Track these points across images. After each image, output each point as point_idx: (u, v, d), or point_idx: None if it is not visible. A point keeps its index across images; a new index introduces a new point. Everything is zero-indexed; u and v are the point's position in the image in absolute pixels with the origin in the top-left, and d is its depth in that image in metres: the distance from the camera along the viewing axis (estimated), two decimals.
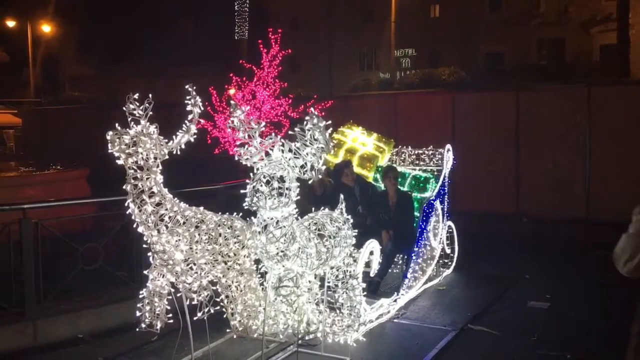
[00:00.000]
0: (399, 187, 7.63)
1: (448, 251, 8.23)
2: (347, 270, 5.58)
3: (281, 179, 4.78)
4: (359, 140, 8.34)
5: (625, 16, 19.80)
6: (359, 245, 5.76)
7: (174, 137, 5.06)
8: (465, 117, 13.44)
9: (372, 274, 6.44)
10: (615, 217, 11.89)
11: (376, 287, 7.01)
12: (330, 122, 4.91)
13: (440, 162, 8.10)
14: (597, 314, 6.77)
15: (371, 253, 6.12)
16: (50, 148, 20.85)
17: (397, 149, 8.52)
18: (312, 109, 5.04)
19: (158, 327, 5.33)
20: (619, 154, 11.85)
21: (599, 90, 12.41)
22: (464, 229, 8.57)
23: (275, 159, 4.87)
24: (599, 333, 6.17)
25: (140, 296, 5.37)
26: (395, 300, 6.64)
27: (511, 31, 33.12)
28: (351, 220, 5.56)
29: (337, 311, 5.66)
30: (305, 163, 4.84)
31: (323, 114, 5.07)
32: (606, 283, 7.94)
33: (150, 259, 5.18)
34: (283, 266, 5.16)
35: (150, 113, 4.90)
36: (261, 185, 4.75)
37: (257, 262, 5.45)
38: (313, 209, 5.48)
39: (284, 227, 4.91)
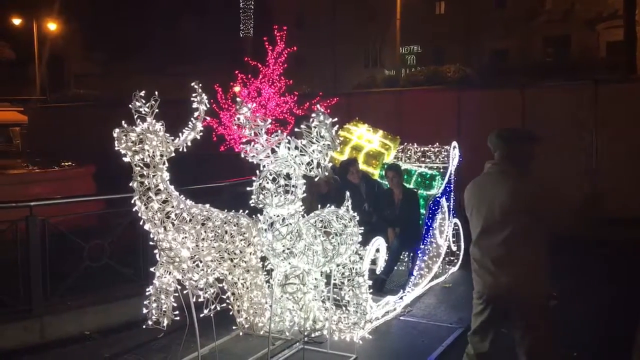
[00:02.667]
0: (404, 184, 7.62)
1: (454, 248, 8.21)
2: (353, 268, 5.58)
3: (287, 177, 4.78)
4: (365, 138, 8.32)
5: (632, 13, 19.68)
6: (365, 242, 5.76)
7: (180, 134, 5.06)
8: (471, 115, 13.40)
9: (378, 272, 6.45)
10: (621, 214, 11.89)
11: (382, 285, 7.01)
12: (335, 119, 4.90)
13: (446, 159, 8.08)
14: (604, 312, 6.75)
15: (377, 250, 6.12)
16: (56, 145, 20.90)
17: (402, 146, 8.51)
18: (318, 106, 5.04)
19: (164, 324, 5.34)
20: (625, 151, 11.81)
21: (605, 87, 12.37)
22: (469, 226, 8.54)
23: (281, 157, 4.87)
24: (605, 331, 6.15)
25: (147, 293, 5.39)
26: (401, 298, 6.64)
27: (517, 28, 33.00)
28: (357, 218, 5.56)
29: (343, 308, 5.66)
30: (312, 160, 4.84)
31: (329, 111, 5.06)
32: (611, 281, 7.94)
33: (157, 256, 5.19)
34: (289, 263, 5.16)
35: (156, 110, 4.90)
36: (267, 183, 4.75)
37: (263, 259, 5.45)
38: (319, 206, 5.48)
39: (290, 224, 4.91)
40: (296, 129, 4.92)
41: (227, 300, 5.46)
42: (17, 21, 36.76)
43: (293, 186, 4.79)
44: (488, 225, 3.86)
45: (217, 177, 8.43)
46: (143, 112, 4.85)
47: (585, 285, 7.77)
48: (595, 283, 7.88)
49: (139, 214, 4.95)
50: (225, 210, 5.36)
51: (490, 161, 3.93)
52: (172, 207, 4.92)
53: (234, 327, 5.74)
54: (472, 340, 4.09)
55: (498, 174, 3.88)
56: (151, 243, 5.15)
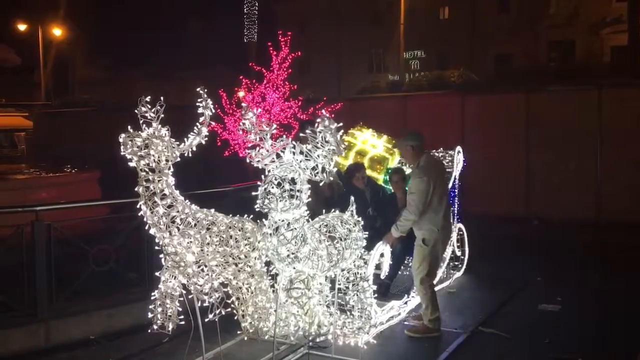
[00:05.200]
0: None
1: (458, 253, 8.20)
2: (357, 272, 5.58)
3: (292, 181, 4.79)
4: (369, 142, 8.33)
5: (636, 17, 19.70)
6: (369, 247, 5.76)
7: (185, 139, 5.08)
8: (475, 119, 13.42)
9: (382, 276, 6.44)
10: (625, 219, 11.86)
11: (387, 290, 7.00)
12: (340, 124, 4.92)
13: (450, 164, 8.06)
14: (609, 315, 6.73)
15: (382, 255, 6.12)
16: (61, 151, 20.96)
17: None
18: (322, 111, 5.05)
19: (169, 328, 5.35)
20: (630, 155, 11.79)
21: (610, 91, 12.36)
22: (474, 231, 8.54)
23: (286, 161, 4.88)
24: (611, 335, 6.13)
25: (152, 298, 5.40)
26: (405, 303, 6.63)
27: (521, 33, 33.01)
28: (362, 222, 5.56)
29: (348, 313, 5.66)
30: (317, 165, 4.85)
31: (333, 116, 5.07)
32: (618, 285, 7.92)
33: (162, 260, 5.20)
34: (294, 268, 5.17)
35: (162, 115, 4.93)
36: (272, 188, 4.76)
37: (268, 264, 5.46)
38: (324, 211, 5.49)
39: (295, 229, 4.92)
40: (301, 134, 4.94)
41: (232, 305, 5.46)
42: (22, 27, 36.93)
43: (298, 191, 4.80)
44: (444, 194, 6.13)
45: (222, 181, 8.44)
46: (149, 117, 4.87)
47: (592, 290, 7.76)
48: (601, 287, 7.86)
49: (145, 219, 4.97)
50: (230, 215, 5.37)
51: (425, 152, 6.14)
52: (178, 211, 4.94)
53: (238, 332, 5.74)
54: (430, 278, 6.09)
55: (435, 160, 6.49)
56: (156, 248, 5.16)
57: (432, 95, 15.30)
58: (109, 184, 10.73)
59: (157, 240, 5.05)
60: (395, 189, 7.51)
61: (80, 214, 7.20)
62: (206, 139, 5.16)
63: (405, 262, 7.69)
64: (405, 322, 6.39)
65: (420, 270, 5.99)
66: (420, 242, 5.99)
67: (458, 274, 8.17)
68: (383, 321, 6.14)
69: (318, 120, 4.81)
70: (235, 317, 5.59)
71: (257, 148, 5.01)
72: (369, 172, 7.95)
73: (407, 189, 7.61)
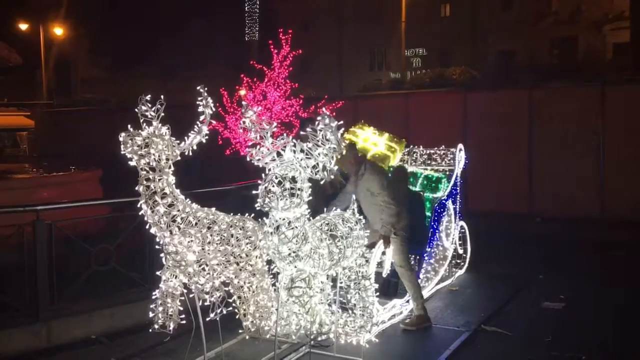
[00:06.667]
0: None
1: (460, 251, 8.18)
2: (359, 271, 5.56)
3: (293, 180, 4.77)
4: (371, 140, 8.29)
5: (638, 14, 19.61)
6: (371, 245, 5.74)
7: (185, 138, 5.07)
8: (477, 117, 13.39)
9: (384, 275, 6.43)
10: (629, 216, 11.83)
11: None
12: (341, 122, 4.90)
13: (452, 161, 8.05)
14: (612, 314, 6.71)
15: (383, 253, 6.11)
16: (63, 150, 20.98)
17: (408, 149, 8.47)
18: (323, 109, 5.03)
19: (171, 328, 5.34)
20: (633, 152, 11.76)
21: (613, 88, 12.33)
22: (476, 229, 8.52)
23: (287, 160, 4.86)
24: (614, 334, 6.11)
25: (153, 297, 5.39)
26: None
27: (523, 30, 32.91)
28: (363, 221, 5.54)
29: (350, 312, 5.64)
30: (317, 163, 4.83)
31: (334, 114, 5.05)
32: (621, 283, 7.90)
33: (163, 260, 5.19)
34: (295, 267, 5.15)
35: (162, 114, 4.91)
36: (273, 186, 4.74)
37: (269, 262, 5.44)
38: (325, 209, 5.48)
39: (296, 227, 4.90)
40: (302, 132, 4.92)
41: (233, 304, 5.45)
42: (23, 26, 36.92)
43: (299, 189, 4.78)
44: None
45: (223, 180, 8.42)
46: (149, 116, 4.86)
47: (595, 288, 7.74)
48: (604, 285, 7.84)
49: (145, 218, 4.95)
50: (231, 214, 5.35)
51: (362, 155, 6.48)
52: (178, 210, 4.93)
53: (240, 331, 5.73)
54: (409, 263, 6.44)
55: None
56: (157, 247, 5.15)
57: (434, 92, 15.27)
58: (111, 183, 10.73)
59: (157, 240, 5.04)
60: None
61: (82, 214, 7.19)
62: (207, 137, 5.15)
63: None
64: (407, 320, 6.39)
65: (399, 259, 6.27)
66: (392, 234, 6.16)
67: (460, 272, 8.16)
68: (385, 319, 6.13)
69: (318, 118, 4.79)
70: (237, 316, 5.57)
71: (258, 146, 4.99)
72: None
73: (410, 187, 7.62)
